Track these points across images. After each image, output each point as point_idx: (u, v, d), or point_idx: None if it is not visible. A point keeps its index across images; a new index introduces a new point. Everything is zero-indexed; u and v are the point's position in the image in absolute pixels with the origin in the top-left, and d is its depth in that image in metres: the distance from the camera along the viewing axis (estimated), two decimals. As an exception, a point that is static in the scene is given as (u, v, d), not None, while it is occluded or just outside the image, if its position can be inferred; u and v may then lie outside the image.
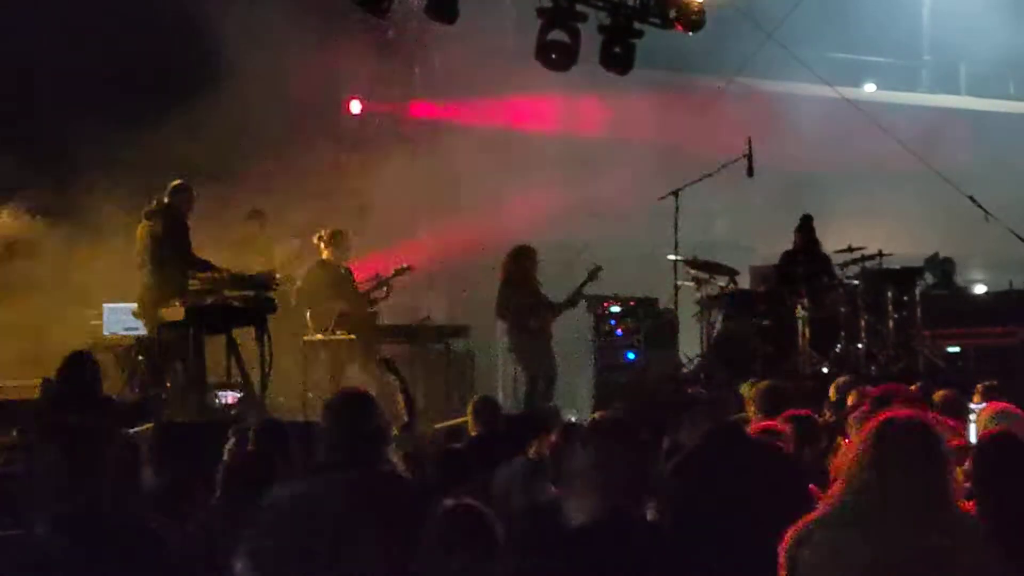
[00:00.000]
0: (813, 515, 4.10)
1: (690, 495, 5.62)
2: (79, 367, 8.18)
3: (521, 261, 13.05)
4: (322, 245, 12.86)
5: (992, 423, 6.54)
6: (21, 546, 4.31)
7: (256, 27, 14.09)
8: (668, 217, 13.76)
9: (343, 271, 12.85)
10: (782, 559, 4.04)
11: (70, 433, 4.43)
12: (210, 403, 10.88)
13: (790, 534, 4.07)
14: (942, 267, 14.35)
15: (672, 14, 12.98)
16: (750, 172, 13.83)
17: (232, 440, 6.39)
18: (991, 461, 4.98)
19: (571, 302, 13.31)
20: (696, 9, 12.99)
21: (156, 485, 6.06)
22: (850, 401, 7.79)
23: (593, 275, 13.33)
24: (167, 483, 6.00)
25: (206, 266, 11.13)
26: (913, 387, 8.36)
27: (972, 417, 7.67)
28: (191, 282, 10.87)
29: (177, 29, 14.17)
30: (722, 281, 13.85)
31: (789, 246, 14.02)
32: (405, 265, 13.13)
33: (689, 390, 6.59)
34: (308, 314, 12.45)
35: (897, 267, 13.95)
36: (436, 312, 15.10)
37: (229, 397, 10.86)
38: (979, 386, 8.49)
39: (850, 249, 13.80)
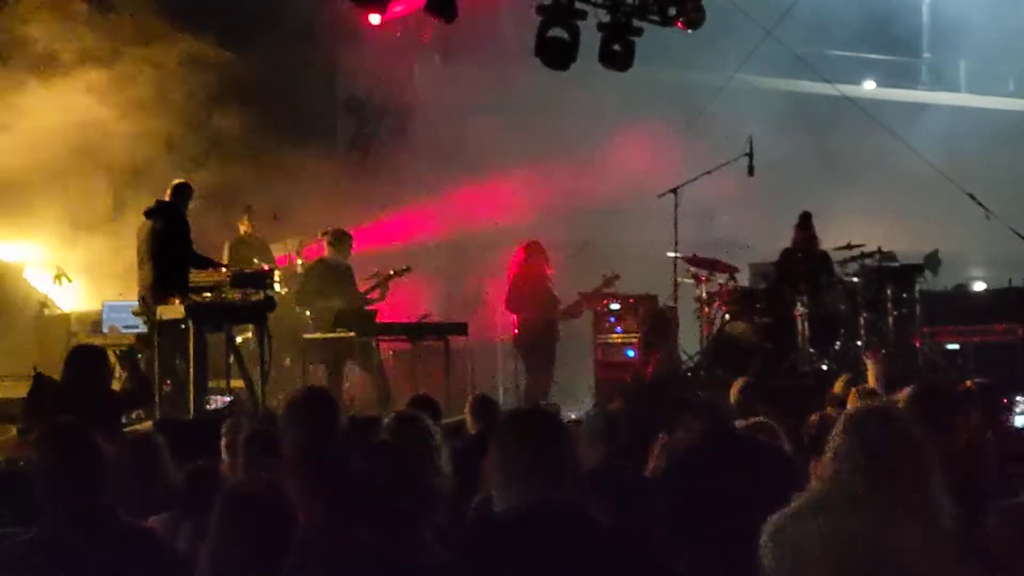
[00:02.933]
0: (786, 509, 4.12)
1: (685, 494, 5.64)
2: (86, 362, 8.15)
3: (531, 257, 13.08)
4: (325, 242, 12.89)
5: None
6: (18, 544, 4.30)
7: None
8: (668, 214, 13.77)
9: (343, 269, 12.87)
10: (760, 552, 4.06)
11: (71, 431, 4.43)
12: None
13: (765, 528, 4.08)
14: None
15: (672, 11, 12.98)
16: (751, 171, 13.83)
17: (225, 439, 6.37)
18: None
19: (576, 312, 13.40)
20: (695, 6, 13.00)
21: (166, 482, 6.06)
22: (849, 401, 7.76)
23: (610, 282, 13.36)
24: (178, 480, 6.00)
25: (207, 263, 11.15)
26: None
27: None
28: (191, 279, 10.88)
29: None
30: (722, 278, 13.86)
31: (789, 244, 14.02)
32: (405, 266, 13.14)
33: (684, 392, 6.59)
34: (308, 313, 12.48)
35: (897, 264, 13.95)
36: (435, 309, 15.10)
37: (219, 400, 10.84)
38: (968, 383, 8.52)
39: (849, 246, 13.81)
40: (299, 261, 14.28)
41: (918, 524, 3.96)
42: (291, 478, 4.58)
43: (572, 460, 4.16)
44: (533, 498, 3.92)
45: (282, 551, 4.10)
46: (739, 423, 6.55)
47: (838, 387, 8.94)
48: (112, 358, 10.29)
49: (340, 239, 12.83)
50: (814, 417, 7.81)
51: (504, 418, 4.22)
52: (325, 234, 12.98)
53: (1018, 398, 8.43)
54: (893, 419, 4.15)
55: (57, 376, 9.61)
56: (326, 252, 12.88)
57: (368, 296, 12.86)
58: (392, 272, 13.00)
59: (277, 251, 14.77)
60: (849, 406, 7.54)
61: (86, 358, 8.12)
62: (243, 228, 14.00)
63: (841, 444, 4.07)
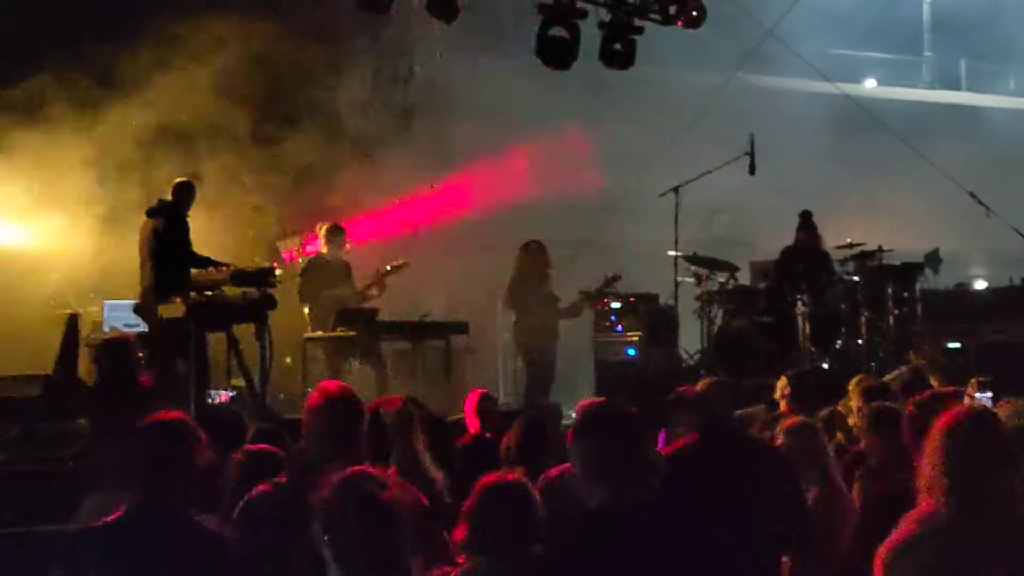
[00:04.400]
0: (909, 529, 3.93)
1: (680, 489, 5.63)
2: (123, 354, 8.16)
3: (532, 255, 13.07)
4: (321, 238, 12.88)
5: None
6: (95, 529, 4.31)
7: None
8: (669, 213, 13.76)
9: (340, 265, 12.85)
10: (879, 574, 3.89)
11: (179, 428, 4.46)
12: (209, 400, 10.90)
13: (885, 550, 3.90)
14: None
15: (672, 10, 12.98)
16: (752, 170, 13.83)
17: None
18: None
19: (576, 311, 13.38)
20: (696, 5, 13.00)
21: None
22: (853, 400, 7.73)
23: (611, 282, 13.34)
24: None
25: (207, 262, 11.14)
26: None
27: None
28: (192, 277, 10.88)
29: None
30: (722, 277, 13.86)
31: (789, 242, 14.02)
32: (401, 261, 13.11)
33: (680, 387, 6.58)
34: (306, 311, 12.45)
35: (897, 263, 13.95)
36: (436, 308, 15.10)
37: (221, 395, 10.83)
38: (973, 380, 8.50)
39: (850, 245, 13.81)
40: (300, 260, 14.29)
41: None
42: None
43: (656, 454, 4.20)
44: (629, 493, 3.96)
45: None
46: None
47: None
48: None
49: (333, 233, 12.84)
50: (822, 413, 7.81)
51: (590, 414, 4.23)
52: (320, 227, 12.98)
53: (978, 395, 8.31)
54: (995, 424, 4.03)
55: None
56: (323, 248, 12.87)
57: (367, 293, 12.84)
58: (388, 268, 12.96)
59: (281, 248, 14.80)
60: (854, 403, 7.55)
61: (118, 350, 8.13)
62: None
63: (947, 456, 3.89)
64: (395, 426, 5.95)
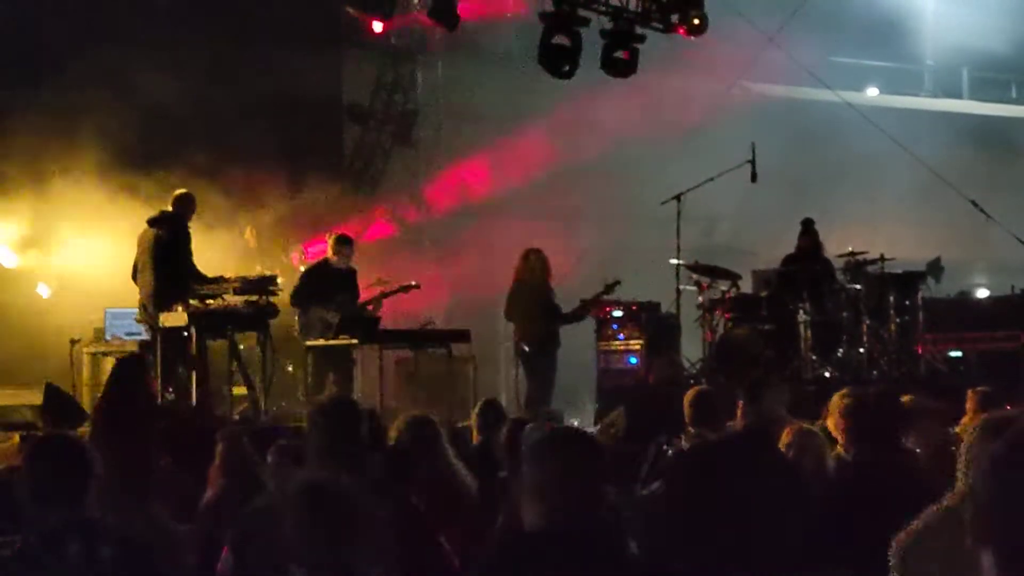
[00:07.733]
0: (922, 522, 3.92)
1: (687, 493, 5.63)
2: (134, 370, 8.18)
3: (532, 264, 13.05)
4: (328, 244, 12.78)
5: None
6: (18, 554, 4.28)
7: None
8: (671, 221, 13.76)
9: (344, 274, 12.75)
10: (894, 564, 3.88)
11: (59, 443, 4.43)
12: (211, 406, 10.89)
13: (899, 541, 3.88)
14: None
15: (674, 19, 13.01)
16: (753, 178, 13.83)
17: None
18: None
19: (580, 315, 13.35)
20: (698, 13, 13.02)
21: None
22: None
23: (610, 288, 13.32)
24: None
25: (204, 279, 11.09)
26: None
27: None
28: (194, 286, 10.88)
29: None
30: (724, 285, 13.84)
31: (791, 251, 14.01)
32: (413, 282, 13.03)
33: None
34: (295, 316, 12.34)
35: (899, 271, 13.95)
36: (438, 316, 15.12)
37: None
38: (970, 392, 8.47)
39: (852, 254, 13.80)
40: (303, 268, 14.26)
41: None
42: None
43: (604, 480, 4.16)
44: (561, 517, 3.92)
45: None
46: None
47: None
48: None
49: (340, 243, 12.72)
50: (820, 423, 7.78)
51: (539, 437, 4.22)
52: (330, 236, 12.90)
53: None
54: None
55: (62, 384, 9.65)
56: (330, 255, 12.74)
57: (365, 308, 12.77)
58: (396, 288, 12.89)
59: (284, 258, 14.78)
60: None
61: (130, 369, 8.14)
62: (251, 242, 13.81)
63: (972, 452, 3.89)
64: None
